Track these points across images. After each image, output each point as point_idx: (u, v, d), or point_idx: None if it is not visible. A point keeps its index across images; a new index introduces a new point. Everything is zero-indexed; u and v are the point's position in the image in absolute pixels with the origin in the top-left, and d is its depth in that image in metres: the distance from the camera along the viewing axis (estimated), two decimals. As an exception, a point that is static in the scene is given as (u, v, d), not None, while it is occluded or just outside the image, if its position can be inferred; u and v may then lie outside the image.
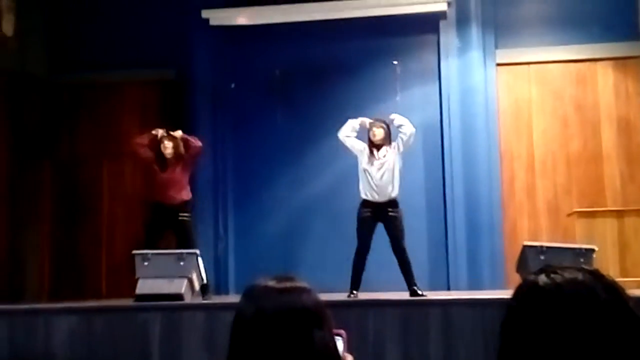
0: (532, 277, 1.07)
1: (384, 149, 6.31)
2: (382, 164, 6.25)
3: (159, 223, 6.66)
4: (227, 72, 8.74)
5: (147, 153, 6.81)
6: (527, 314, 1.02)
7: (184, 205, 6.75)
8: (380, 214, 6.17)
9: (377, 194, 6.20)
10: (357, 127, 6.46)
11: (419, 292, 5.97)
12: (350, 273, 6.20)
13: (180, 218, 6.66)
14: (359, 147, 6.40)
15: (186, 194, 6.80)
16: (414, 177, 7.82)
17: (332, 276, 7.60)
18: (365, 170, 6.28)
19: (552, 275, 1.04)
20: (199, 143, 6.82)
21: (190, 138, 6.84)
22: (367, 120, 6.47)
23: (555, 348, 0.97)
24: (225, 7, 8.66)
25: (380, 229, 6.28)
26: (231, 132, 8.73)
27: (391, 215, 6.16)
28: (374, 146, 6.32)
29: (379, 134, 6.30)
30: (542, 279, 1.04)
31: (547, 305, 1.00)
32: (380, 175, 6.22)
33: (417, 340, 5.09)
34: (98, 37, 9.04)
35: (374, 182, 6.22)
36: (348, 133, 6.43)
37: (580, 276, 1.03)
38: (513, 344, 1.02)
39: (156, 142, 6.80)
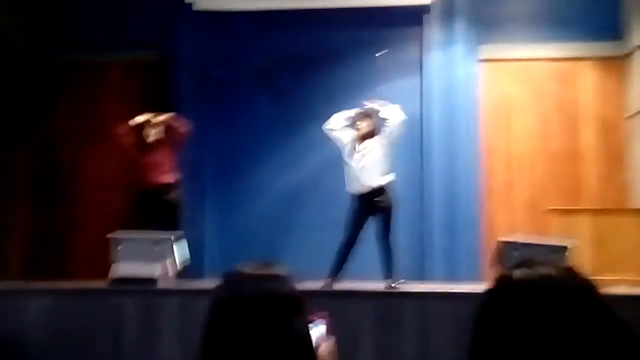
0: (506, 271, 1.08)
1: (369, 140, 6.33)
2: (363, 155, 6.27)
3: (150, 208, 6.66)
4: (211, 57, 8.68)
5: (129, 141, 6.80)
6: (500, 308, 1.02)
7: (169, 187, 6.74)
8: (370, 205, 6.19)
9: (360, 185, 6.21)
10: (343, 121, 6.45)
11: (393, 285, 5.98)
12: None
13: (165, 199, 6.65)
14: (343, 140, 6.40)
15: (171, 177, 6.79)
16: (393, 170, 7.82)
17: (313, 264, 7.62)
18: (346, 163, 6.31)
19: (526, 271, 1.05)
20: (184, 128, 6.81)
21: (176, 123, 6.83)
22: (352, 113, 6.46)
23: (526, 342, 0.97)
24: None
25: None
26: (215, 116, 8.68)
27: (378, 205, 6.18)
28: (359, 137, 6.34)
29: (366, 127, 6.34)
30: (516, 273, 1.05)
31: (519, 300, 1.01)
32: (361, 166, 6.24)
33: (392, 331, 5.11)
34: (81, 16, 8.91)
35: (354, 174, 6.25)
36: (333, 127, 6.43)
37: (553, 272, 1.04)
38: (485, 338, 1.02)
39: (139, 127, 6.79)
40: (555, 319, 0.98)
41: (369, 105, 6.50)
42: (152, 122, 6.74)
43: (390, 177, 6.34)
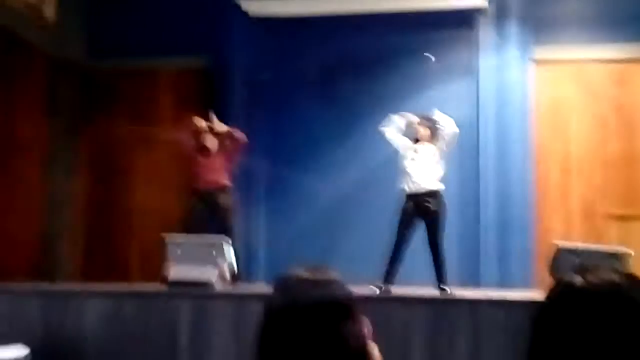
0: (567, 276, 1.06)
1: (426, 145, 6.37)
2: (419, 158, 6.30)
3: (201, 210, 6.78)
4: (263, 62, 8.76)
5: (190, 143, 6.95)
6: (561, 313, 1.01)
7: (223, 190, 6.84)
8: (421, 207, 6.20)
9: (417, 187, 6.24)
10: (402, 126, 6.46)
11: (447, 290, 5.95)
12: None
13: (219, 202, 6.74)
14: (402, 144, 6.41)
15: (224, 182, 6.91)
16: (447, 173, 7.74)
17: (365, 268, 7.61)
18: (406, 166, 6.33)
19: (588, 276, 1.03)
20: (241, 142, 6.93)
21: (235, 133, 6.95)
22: (413, 118, 6.45)
23: (586, 349, 0.96)
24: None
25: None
26: (266, 121, 8.76)
27: (430, 209, 6.18)
28: (417, 142, 6.39)
29: (425, 133, 6.38)
30: (578, 278, 1.03)
31: (581, 305, 0.99)
32: (417, 168, 6.27)
33: (445, 338, 5.07)
34: (135, 24, 9.10)
35: (414, 177, 6.27)
36: (392, 132, 6.44)
37: (617, 278, 1.02)
38: (545, 342, 1.01)
39: (199, 133, 6.93)
40: (617, 327, 0.96)
41: (427, 115, 6.51)
42: (212, 130, 6.88)
43: (442, 184, 6.29)
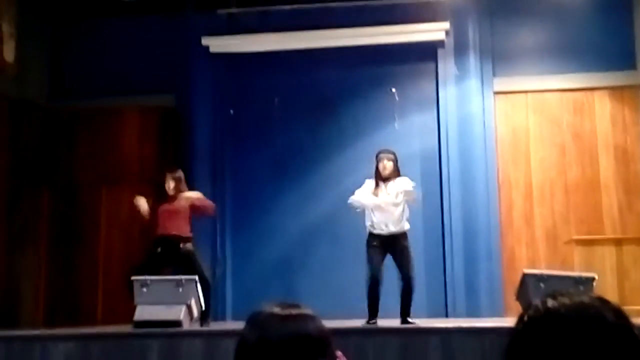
0: (537, 301, 1.06)
1: (391, 182, 6.17)
2: (388, 200, 6.10)
3: (162, 255, 6.58)
4: (226, 98, 8.79)
5: (147, 213, 6.75)
6: (533, 338, 1.01)
7: (185, 238, 6.65)
8: (389, 246, 6.08)
9: (385, 229, 6.08)
10: (367, 195, 6.19)
11: (413, 322, 5.93)
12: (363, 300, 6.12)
13: (181, 249, 6.58)
14: (369, 203, 6.15)
15: (186, 229, 6.69)
16: (412, 205, 7.81)
17: (331, 302, 7.59)
18: (372, 210, 6.11)
19: (560, 299, 1.04)
20: (211, 208, 6.82)
21: (204, 203, 6.80)
22: (372, 185, 6.22)
23: None
24: (226, 34, 8.73)
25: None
26: (230, 158, 8.75)
27: (399, 247, 6.06)
28: (381, 179, 6.18)
29: (388, 167, 6.15)
30: (549, 302, 1.04)
31: (554, 328, 0.99)
32: (386, 212, 6.08)
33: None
34: (98, 64, 9.09)
35: (380, 218, 6.07)
36: (358, 203, 6.21)
37: (587, 300, 1.03)
38: None
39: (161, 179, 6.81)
40: (592, 347, 0.97)
41: (390, 150, 6.38)
42: (171, 179, 6.73)
43: (408, 224, 6.18)
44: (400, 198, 6.13)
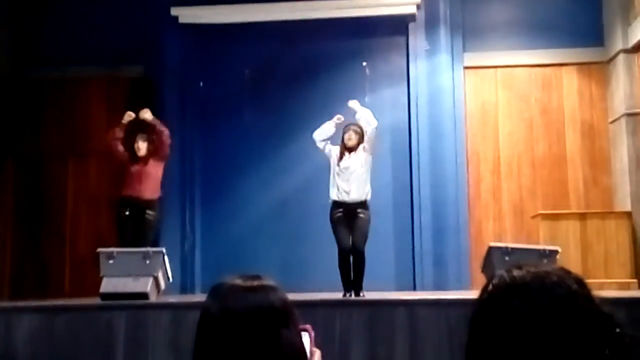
0: (502, 271, 1.07)
1: (355, 152, 6.31)
2: (352, 167, 6.24)
3: (129, 217, 6.61)
4: (196, 70, 8.70)
5: (121, 148, 6.76)
6: (498, 305, 1.01)
7: (152, 203, 6.69)
8: (349, 214, 6.17)
9: (347, 196, 6.19)
10: (333, 129, 6.42)
11: (362, 295, 5.98)
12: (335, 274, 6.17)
13: (145, 215, 6.61)
14: (332, 152, 6.37)
15: (155, 192, 6.75)
16: (381, 178, 7.85)
17: (299, 275, 7.63)
18: (335, 174, 6.27)
19: (524, 268, 1.05)
20: (166, 131, 6.80)
21: (158, 124, 6.80)
22: (341, 117, 6.43)
23: (524, 341, 0.97)
24: (195, 5, 8.60)
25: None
26: (200, 130, 8.69)
27: (358, 217, 6.15)
28: (346, 149, 6.31)
29: (353, 138, 6.29)
30: (514, 271, 1.05)
31: (519, 295, 1.00)
32: (349, 177, 6.21)
33: (383, 340, 5.11)
34: (64, 33, 8.91)
35: (343, 185, 6.20)
36: (323, 137, 6.39)
37: (550, 269, 1.04)
38: (483, 338, 1.02)
39: (129, 136, 6.76)
40: (555, 314, 0.98)
41: (351, 104, 6.48)
42: (143, 136, 6.71)
43: (369, 194, 6.26)
44: (364, 165, 6.25)
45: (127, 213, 6.63)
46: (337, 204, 6.23)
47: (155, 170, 6.77)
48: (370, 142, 6.33)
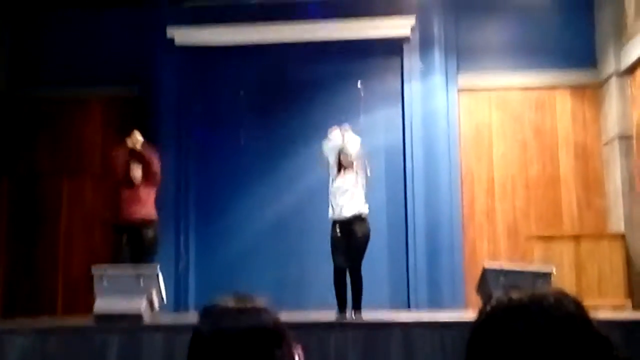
0: (500, 293, 1.07)
1: (349, 172, 6.34)
2: (344, 185, 6.27)
3: (127, 242, 6.58)
4: (191, 91, 8.73)
5: (122, 170, 6.74)
6: (496, 328, 1.02)
7: (149, 224, 6.68)
8: (346, 231, 6.17)
9: (342, 212, 6.21)
10: (339, 141, 6.41)
11: (359, 317, 5.94)
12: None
13: (143, 235, 6.60)
14: (332, 162, 6.39)
15: (151, 214, 6.74)
16: (376, 198, 7.84)
17: (294, 294, 7.61)
18: (331, 193, 6.31)
19: (521, 291, 1.05)
20: (155, 161, 6.77)
21: (147, 154, 6.77)
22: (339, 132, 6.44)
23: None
24: (191, 26, 8.65)
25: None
26: (195, 150, 8.70)
27: (355, 233, 6.14)
28: (342, 166, 6.36)
29: (348, 160, 6.33)
30: (512, 294, 1.05)
31: (517, 318, 1.00)
32: (344, 195, 6.24)
33: (378, 361, 5.09)
34: (61, 53, 8.95)
35: (337, 202, 6.24)
36: (329, 146, 6.42)
37: (548, 291, 1.05)
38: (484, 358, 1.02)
39: (124, 162, 6.75)
40: (554, 337, 0.98)
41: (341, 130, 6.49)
42: (136, 152, 6.72)
43: (366, 208, 6.27)
44: (358, 181, 6.28)
45: (124, 240, 6.60)
46: (334, 222, 6.26)
47: (147, 195, 6.74)
48: (358, 167, 6.35)
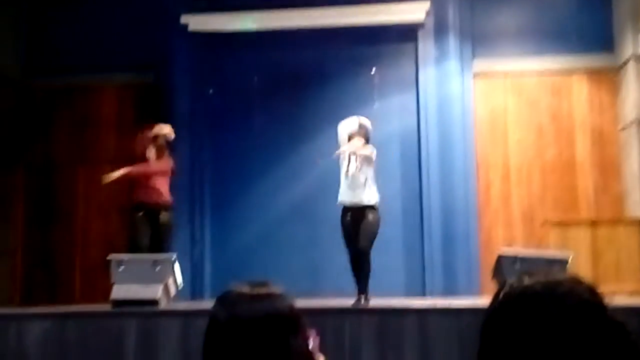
0: (513, 279, 1.07)
1: (360, 154, 6.27)
2: (354, 169, 6.22)
3: (144, 224, 6.59)
4: (205, 77, 8.73)
5: (144, 151, 6.74)
6: (509, 314, 1.01)
7: (165, 207, 6.69)
8: (356, 217, 6.15)
9: (353, 198, 6.19)
10: (356, 126, 6.36)
11: (365, 302, 5.88)
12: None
13: (160, 217, 6.61)
14: (343, 145, 6.32)
15: (167, 195, 6.74)
16: (390, 185, 7.85)
17: (310, 282, 7.64)
18: (342, 178, 6.29)
19: (535, 277, 1.05)
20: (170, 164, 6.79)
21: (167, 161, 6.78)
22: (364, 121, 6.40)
23: (535, 349, 0.97)
24: (205, 12, 8.64)
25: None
26: (209, 137, 8.71)
27: (365, 219, 6.12)
28: (352, 152, 6.30)
29: (359, 143, 6.27)
30: (525, 279, 1.05)
31: (530, 305, 1.00)
32: (354, 181, 6.20)
33: (393, 347, 5.10)
34: (75, 40, 8.97)
35: (348, 188, 6.21)
36: (345, 130, 6.37)
37: (562, 278, 1.04)
38: (494, 347, 1.02)
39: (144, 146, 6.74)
40: (567, 324, 0.97)
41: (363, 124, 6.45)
42: (157, 141, 6.72)
43: (377, 197, 6.23)
44: (365, 172, 6.22)
45: (140, 214, 6.59)
46: (344, 208, 6.24)
47: (162, 181, 6.74)
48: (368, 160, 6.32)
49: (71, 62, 8.91)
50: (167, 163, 6.78)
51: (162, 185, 6.74)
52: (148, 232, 6.58)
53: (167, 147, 6.83)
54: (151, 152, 6.71)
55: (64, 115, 8.95)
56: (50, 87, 8.96)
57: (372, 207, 6.21)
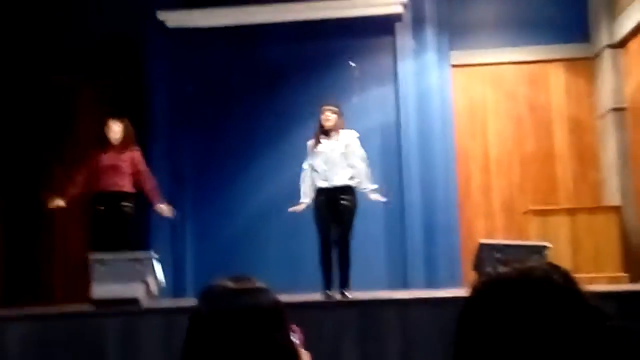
0: (489, 269, 1.08)
1: (332, 135, 6.10)
2: (329, 151, 6.04)
3: (104, 216, 6.37)
4: (183, 74, 8.67)
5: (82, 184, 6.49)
6: (485, 303, 1.02)
7: (127, 195, 6.41)
8: (332, 201, 5.94)
9: (327, 181, 5.99)
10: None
11: (348, 295, 5.77)
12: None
13: (122, 207, 6.35)
14: (308, 147, 6.21)
15: (129, 185, 6.43)
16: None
17: (291, 276, 7.63)
18: (314, 163, 6.07)
19: (511, 265, 1.05)
20: (155, 191, 6.58)
21: (150, 181, 6.56)
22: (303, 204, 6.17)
23: (513, 337, 0.98)
24: (181, 8, 8.58)
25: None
26: (188, 133, 8.67)
27: (341, 204, 5.91)
28: (323, 132, 6.12)
29: (331, 118, 6.08)
30: (500, 269, 1.05)
31: (505, 292, 1.01)
32: (326, 161, 6.01)
33: (375, 340, 5.11)
34: (51, 38, 8.86)
35: (322, 170, 6.01)
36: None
37: (536, 264, 1.05)
38: (470, 337, 1.02)
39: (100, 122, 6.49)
40: (542, 311, 0.98)
41: (335, 102, 6.32)
42: (118, 120, 6.51)
43: (353, 180, 6.04)
44: (343, 153, 6.03)
45: (102, 209, 6.34)
46: (319, 191, 6.02)
47: (128, 166, 6.39)
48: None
49: (49, 57, 8.80)
50: (120, 157, 6.40)
51: (121, 178, 6.40)
52: (107, 223, 6.39)
53: (128, 140, 6.54)
54: (113, 128, 6.47)
55: (43, 112, 8.83)
56: (29, 83, 8.83)
57: (348, 190, 5.98)
